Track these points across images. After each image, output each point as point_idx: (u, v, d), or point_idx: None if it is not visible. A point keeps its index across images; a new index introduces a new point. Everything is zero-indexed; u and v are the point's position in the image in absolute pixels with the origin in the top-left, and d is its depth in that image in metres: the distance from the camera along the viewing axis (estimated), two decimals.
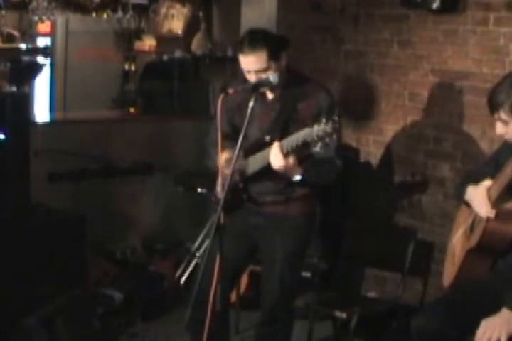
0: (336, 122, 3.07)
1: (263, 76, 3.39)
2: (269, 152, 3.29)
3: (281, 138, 3.32)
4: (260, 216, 3.58)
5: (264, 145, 3.37)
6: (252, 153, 3.43)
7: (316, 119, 3.30)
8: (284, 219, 3.56)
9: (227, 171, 3.37)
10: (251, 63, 3.40)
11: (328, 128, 3.06)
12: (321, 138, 3.09)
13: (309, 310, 4.30)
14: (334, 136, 3.09)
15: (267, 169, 3.34)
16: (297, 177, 3.38)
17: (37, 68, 5.30)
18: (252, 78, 3.43)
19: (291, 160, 3.28)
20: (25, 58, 5.30)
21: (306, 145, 3.17)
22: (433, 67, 4.57)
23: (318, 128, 3.08)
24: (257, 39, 3.41)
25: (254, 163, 3.44)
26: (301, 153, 3.28)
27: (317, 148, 3.13)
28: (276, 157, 3.26)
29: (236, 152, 3.13)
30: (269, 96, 3.54)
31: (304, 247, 3.70)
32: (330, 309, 4.15)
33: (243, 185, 3.52)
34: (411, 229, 4.50)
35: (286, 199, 3.55)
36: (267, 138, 3.37)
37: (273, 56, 3.40)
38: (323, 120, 3.08)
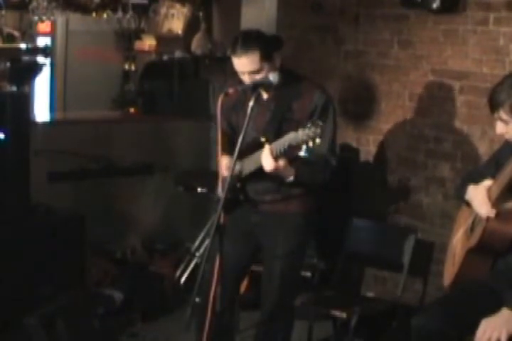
0: (319, 126, 3.09)
1: (256, 77, 3.40)
2: (261, 155, 3.31)
3: (275, 139, 3.33)
4: (260, 214, 3.59)
5: (259, 146, 3.38)
6: (249, 154, 3.44)
7: (309, 119, 3.32)
8: (283, 218, 3.57)
9: (226, 172, 3.45)
10: (244, 65, 3.41)
11: (311, 132, 3.09)
12: (304, 142, 3.12)
13: (309, 310, 4.30)
14: (318, 140, 3.10)
15: (262, 170, 3.36)
16: (290, 178, 3.40)
17: (37, 68, 5.29)
18: (246, 79, 3.44)
19: (282, 162, 3.30)
20: (25, 58, 5.29)
21: (292, 148, 3.20)
22: (433, 67, 4.57)
23: (302, 133, 3.11)
24: (249, 40, 3.41)
25: (248, 165, 3.45)
26: (292, 155, 3.29)
27: (302, 152, 3.15)
28: (266, 160, 3.29)
29: (235, 152, 3.13)
30: (264, 96, 3.54)
31: (304, 245, 3.71)
32: (330, 309, 4.14)
33: (240, 185, 3.53)
34: (411, 229, 4.50)
35: (284, 198, 3.56)
36: (262, 138, 3.38)
37: (266, 57, 3.40)
38: (308, 124, 3.11)
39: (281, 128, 3.44)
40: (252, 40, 3.42)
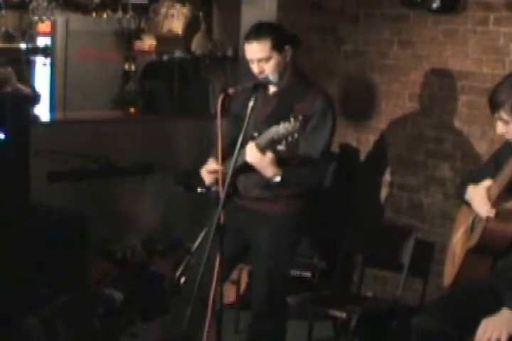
0: (299, 121, 3.10)
1: (265, 67, 3.44)
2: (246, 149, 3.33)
3: None
4: (248, 213, 3.59)
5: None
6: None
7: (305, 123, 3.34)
8: (270, 217, 3.57)
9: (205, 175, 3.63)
10: (254, 51, 3.45)
11: (291, 127, 3.11)
12: (284, 136, 3.13)
13: (309, 310, 4.30)
14: (296, 135, 3.12)
15: (249, 165, 3.38)
16: (277, 179, 3.40)
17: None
18: (254, 68, 3.49)
19: (270, 155, 3.31)
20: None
21: (275, 143, 3.22)
22: (433, 67, 4.57)
23: (282, 126, 3.14)
24: (262, 28, 3.50)
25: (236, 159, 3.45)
26: (274, 149, 3.29)
27: (281, 147, 3.16)
28: (251, 153, 3.31)
29: (237, 149, 3.14)
30: (272, 89, 3.57)
31: (291, 246, 3.69)
32: (330, 309, 4.15)
33: (231, 180, 3.53)
34: (411, 229, 4.50)
35: (272, 196, 3.55)
36: (255, 133, 3.38)
37: (277, 46, 3.45)
38: (291, 119, 3.12)
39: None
40: (265, 28, 3.50)
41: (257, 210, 3.58)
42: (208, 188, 3.84)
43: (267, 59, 3.44)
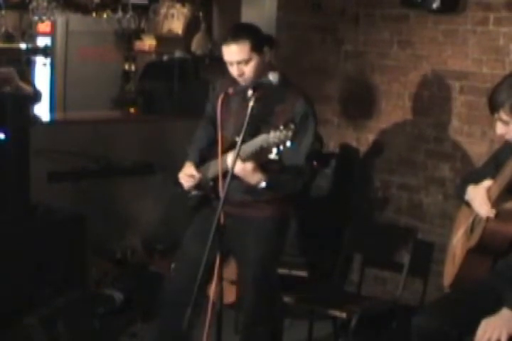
0: (291, 130, 3.07)
1: (245, 69, 3.43)
2: (227, 157, 3.29)
3: (250, 140, 3.30)
4: (230, 218, 3.49)
5: (234, 146, 3.30)
6: (222, 153, 3.38)
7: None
8: (253, 222, 3.55)
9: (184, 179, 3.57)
10: (233, 53, 3.42)
11: (283, 135, 3.08)
12: (275, 145, 3.11)
13: (309, 309, 4.30)
14: (288, 143, 3.09)
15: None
16: (262, 184, 3.38)
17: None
18: (234, 71, 3.46)
19: (250, 165, 3.29)
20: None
21: (264, 150, 3.18)
22: (433, 67, 4.57)
23: (273, 135, 3.10)
24: (240, 30, 3.48)
25: (215, 165, 3.42)
26: (263, 158, 3.26)
27: (272, 155, 3.14)
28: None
29: (236, 150, 3.12)
30: (250, 91, 3.52)
31: (276, 250, 3.68)
32: (330, 309, 4.15)
33: (213, 184, 3.52)
34: (411, 229, 4.50)
35: (254, 201, 3.53)
36: (237, 138, 3.35)
37: (256, 47, 3.42)
38: (281, 127, 3.09)
39: (259, 130, 3.35)
40: (242, 30, 3.48)
41: (240, 216, 3.54)
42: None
43: (247, 61, 3.41)
